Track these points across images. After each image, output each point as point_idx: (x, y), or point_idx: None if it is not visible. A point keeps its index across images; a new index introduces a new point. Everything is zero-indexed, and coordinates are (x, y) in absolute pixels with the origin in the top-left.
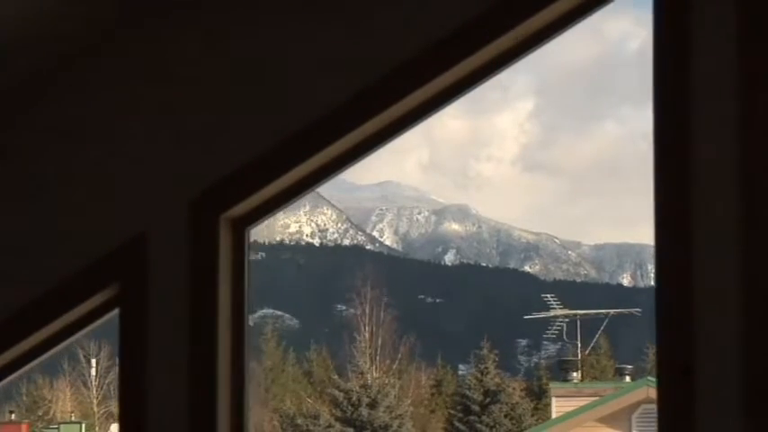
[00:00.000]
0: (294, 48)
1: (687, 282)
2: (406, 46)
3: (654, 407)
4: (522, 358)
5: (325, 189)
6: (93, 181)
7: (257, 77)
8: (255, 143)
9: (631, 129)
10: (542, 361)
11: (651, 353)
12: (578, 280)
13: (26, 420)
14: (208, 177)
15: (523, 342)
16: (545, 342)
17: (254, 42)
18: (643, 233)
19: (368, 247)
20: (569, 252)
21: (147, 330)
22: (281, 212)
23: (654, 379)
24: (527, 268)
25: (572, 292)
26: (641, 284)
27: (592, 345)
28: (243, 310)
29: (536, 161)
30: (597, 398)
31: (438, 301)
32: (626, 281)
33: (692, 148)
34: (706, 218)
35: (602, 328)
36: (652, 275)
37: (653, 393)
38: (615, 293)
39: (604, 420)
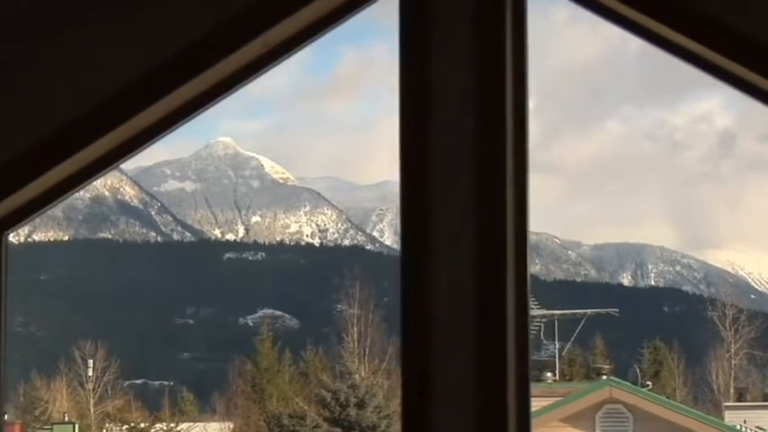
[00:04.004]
0: (59, 50)
1: (426, 291)
2: (152, 54)
3: (617, 406)
4: None
5: (326, 189)
6: None
7: (16, 78)
8: (12, 143)
9: (632, 128)
10: (545, 360)
11: (647, 352)
12: (578, 280)
13: (18, 421)
14: None
15: None
16: (545, 342)
17: (18, 41)
18: (643, 233)
19: (368, 248)
20: (569, 252)
21: None
22: (282, 213)
23: (617, 379)
24: None
25: (572, 291)
26: (641, 284)
27: (568, 345)
28: (0, 317)
29: (536, 161)
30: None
31: None
32: (626, 281)
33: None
34: (444, 223)
35: (578, 328)
36: (652, 275)
37: (616, 393)
38: (615, 293)
39: (569, 420)
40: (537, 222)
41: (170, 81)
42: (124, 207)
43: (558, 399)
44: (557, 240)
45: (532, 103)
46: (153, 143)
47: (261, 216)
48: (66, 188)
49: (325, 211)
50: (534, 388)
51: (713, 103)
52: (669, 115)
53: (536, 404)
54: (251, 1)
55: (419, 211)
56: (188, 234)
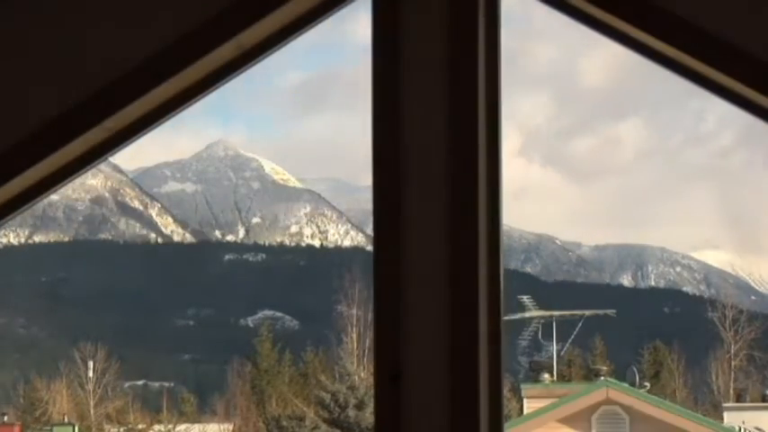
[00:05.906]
0: (30, 52)
1: (398, 293)
2: (125, 56)
3: (614, 408)
4: (522, 359)
5: (326, 191)
6: None
7: None
8: None
9: (634, 128)
10: (543, 361)
11: (647, 353)
12: (579, 281)
13: (18, 422)
14: None
15: (524, 343)
16: (545, 343)
17: None
18: (644, 234)
19: (368, 249)
20: (570, 253)
21: None
22: (282, 214)
23: (614, 380)
24: (528, 269)
25: (572, 292)
26: (642, 285)
27: (565, 347)
28: None
29: (538, 161)
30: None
31: None
32: (626, 282)
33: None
34: (417, 221)
35: (576, 329)
36: (653, 276)
37: (613, 395)
38: (616, 294)
39: (565, 421)
40: (537, 223)
41: (144, 84)
42: (124, 208)
43: (554, 400)
44: (557, 241)
45: (536, 104)
46: (126, 146)
47: (261, 217)
48: (37, 193)
49: (326, 213)
50: (531, 389)
51: (716, 103)
52: (672, 115)
53: (533, 405)
54: (224, 3)
55: (391, 210)
56: (188, 235)
